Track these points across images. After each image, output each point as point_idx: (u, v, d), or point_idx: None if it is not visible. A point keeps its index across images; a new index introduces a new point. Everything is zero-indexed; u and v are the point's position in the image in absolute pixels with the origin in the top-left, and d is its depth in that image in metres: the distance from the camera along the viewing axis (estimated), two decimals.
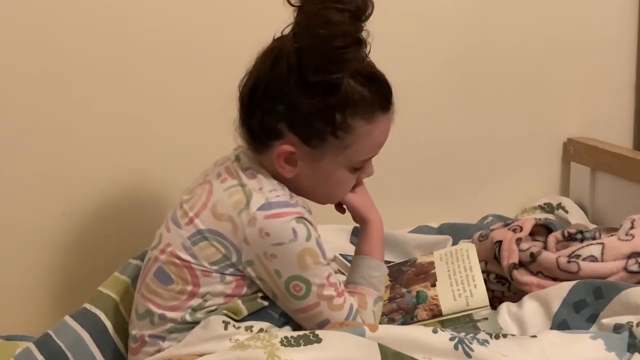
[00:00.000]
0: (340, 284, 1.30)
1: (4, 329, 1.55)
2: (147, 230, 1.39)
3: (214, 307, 1.26)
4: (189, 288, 1.26)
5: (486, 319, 1.37)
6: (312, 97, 1.24)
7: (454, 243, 1.79)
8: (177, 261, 1.27)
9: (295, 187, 1.31)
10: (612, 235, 1.55)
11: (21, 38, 1.62)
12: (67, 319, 1.39)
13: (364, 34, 1.23)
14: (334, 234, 1.76)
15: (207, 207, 1.28)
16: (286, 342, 1.12)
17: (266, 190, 1.26)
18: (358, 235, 1.45)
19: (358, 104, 1.26)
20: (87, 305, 1.40)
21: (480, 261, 1.52)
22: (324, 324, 1.26)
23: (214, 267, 1.26)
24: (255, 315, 1.27)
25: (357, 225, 1.77)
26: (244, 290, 1.27)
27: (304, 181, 1.31)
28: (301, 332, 1.16)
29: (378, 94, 1.29)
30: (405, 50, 1.92)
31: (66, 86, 1.66)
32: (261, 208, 1.24)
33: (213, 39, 1.73)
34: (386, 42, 1.85)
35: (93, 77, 1.67)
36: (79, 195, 1.69)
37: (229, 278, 1.26)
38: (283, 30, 1.27)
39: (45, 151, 1.66)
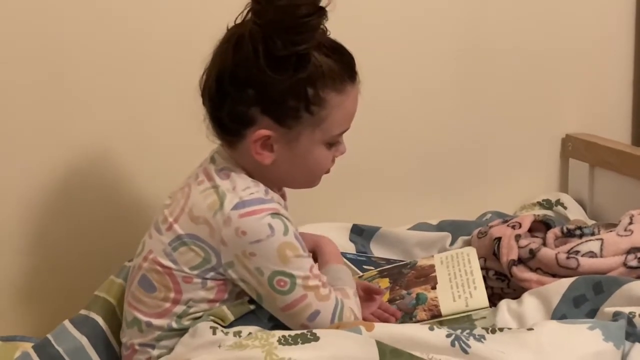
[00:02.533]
0: (322, 275, 1.29)
1: (2, 330, 1.55)
2: (145, 232, 1.39)
3: (199, 314, 1.26)
4: (172, 295, 1.26)
5: (484, 318, 1.37)
6: (282, 73, 1.22)
7: (453, 240, 1.79)
8: (159, 268, 1.27)
9: (273, 176, 1.30)
10: (611, 231, 1.56)
11: (13, 38, 1.62)
12: (67, 324, 1.39)
13: (324, 2, 1.22)
14: (333, 231, 1.76)
15: (184, 212, 1.27)
16: (284, 341, 1.12)
17: (239, 189, 1.25)
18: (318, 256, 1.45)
19: (327, 76, 1.24)
20: (85, 311, 1.40)
21: (479, 258, 1.53)
22: (314, 317, 1.25)
23: (195, 272, 1.25)
24: (242, 319, 1.26)
25: (356, 223, 1.78)
26: (226, 295, 1.26)
27: (282, 166, 1.29)
28: (299, 331, 1.16)
29: (344, 64, 1.27)
30: (405, 48, 1.92)
31: (62, 88, 1.65)
32: (235, 207, 1.22)
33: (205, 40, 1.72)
34: (386, 41, 1.88)
35: (91, 78, 1.67)
36: (77, 196, 1.69)
37: (210, 284, 1.25)
38: (235, 20, 1.26)
39: (42, 153, 1.66)
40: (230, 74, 1.24)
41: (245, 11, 1.25)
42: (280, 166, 1.29)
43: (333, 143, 1.31)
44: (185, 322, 1.26)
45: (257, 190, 1.26)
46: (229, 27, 1.27)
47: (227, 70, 1.24)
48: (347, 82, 1.28)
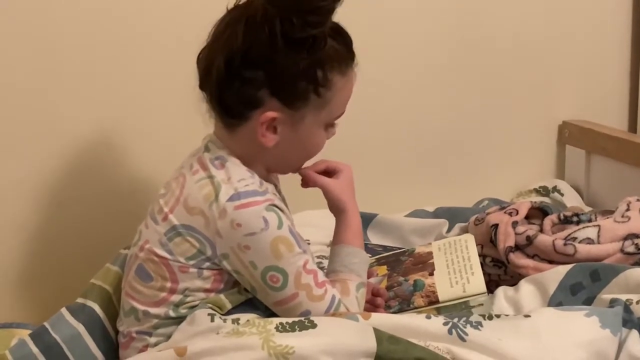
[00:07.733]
0: (319, 272, 1.27)
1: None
2: (141, 220, 1.39)
3: (196, 302, 1.25)
4: (168, 284, 1.26)
5: (481, 304, 1.37)
6: (297, 55, 1.21)
7: (450, 227, 1.79)
8: (155, 258, 1.26)
9: (269, 159, 1.30)
10: (608, 218, 1.56)
11: (9, 31, 1.61)
12: (64, 311, 1.38)
13: None
14: (330, 218, 1.76)
15: (180, 202, 1.26)
16: (281, 328, 1.13)
17: (234, 180, 1.24)
18: (335, 226, 1.40)
19: (334, 58, 1.25)
20: (82, 299, 1.40)
21: (476, 245, 1.53)
22: (304, 316, 1.23)
23: (191, 262, 1.24)
24: (240, 307, 1.26)
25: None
26: (222, 285, 1.26)
27: (282, 148, 1.28)
28: (296, 319, 1.16)
29: (346, 46, 1.27)
30: (400, 34, 1.92)
31: (58, 80, 1.64)
32: (230, 199, 1.22)
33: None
34: (383, 28, 1.88)
35: (87, 69, 1.66)
36: (74, 185, 1.69)
37: (206, 273, 1.25)
38: (237, 2, 1.25)
39: (39, 144, 1.65)
40: (242, 55, 1.22)
41: None
42: (279, 148, 1.28)
43: (331, 125, 1.32)
44: (182, 311, 1.26)
45: (252, 182, 1.25)
46: (230, 9, 1.26)
47: (237, 52, 1.22)
48: (350, 65, 1.28)
